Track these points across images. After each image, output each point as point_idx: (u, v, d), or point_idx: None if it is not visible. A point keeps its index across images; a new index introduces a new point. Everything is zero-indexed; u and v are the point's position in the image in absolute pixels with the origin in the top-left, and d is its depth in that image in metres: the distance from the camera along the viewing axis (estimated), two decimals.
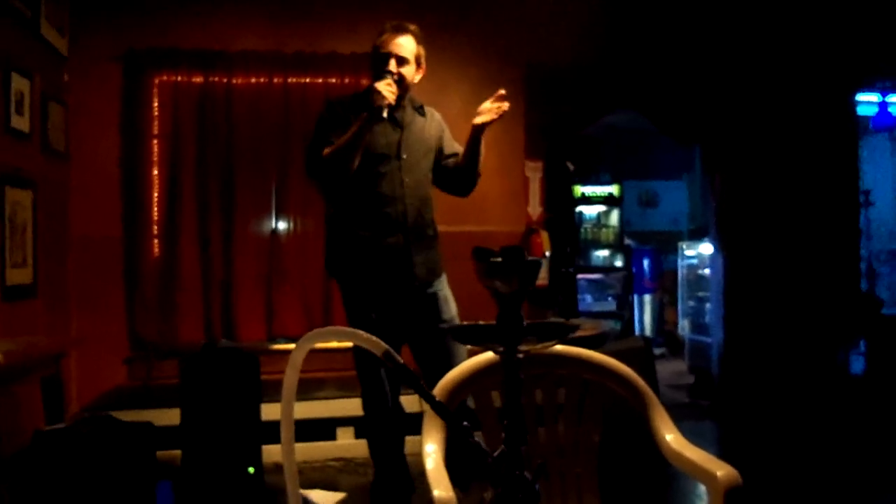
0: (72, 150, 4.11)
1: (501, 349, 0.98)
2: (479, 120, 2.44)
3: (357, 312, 2.54)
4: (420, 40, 2.57)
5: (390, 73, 2.46)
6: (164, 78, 4.33)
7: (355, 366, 2.58)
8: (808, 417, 4.54)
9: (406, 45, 2.52)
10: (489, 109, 2.42)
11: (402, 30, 2.53)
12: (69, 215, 4.12)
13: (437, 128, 2.68)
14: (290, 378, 1.09)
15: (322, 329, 1.09)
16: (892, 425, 4.35)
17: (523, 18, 4.70)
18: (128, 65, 4.29)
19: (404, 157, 2.54)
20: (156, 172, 4.33)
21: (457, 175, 2.62)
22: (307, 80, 4.47)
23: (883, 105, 6.38)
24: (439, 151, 2.66)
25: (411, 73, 2.54)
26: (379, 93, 2.36)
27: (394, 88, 2.41)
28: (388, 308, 2.53)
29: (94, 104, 4.23)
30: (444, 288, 2.63)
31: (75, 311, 4.12)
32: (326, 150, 2.43)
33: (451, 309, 2.62)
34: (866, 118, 6.38)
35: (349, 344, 1.11)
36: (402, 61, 2.50)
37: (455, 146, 2.68)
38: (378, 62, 2.51)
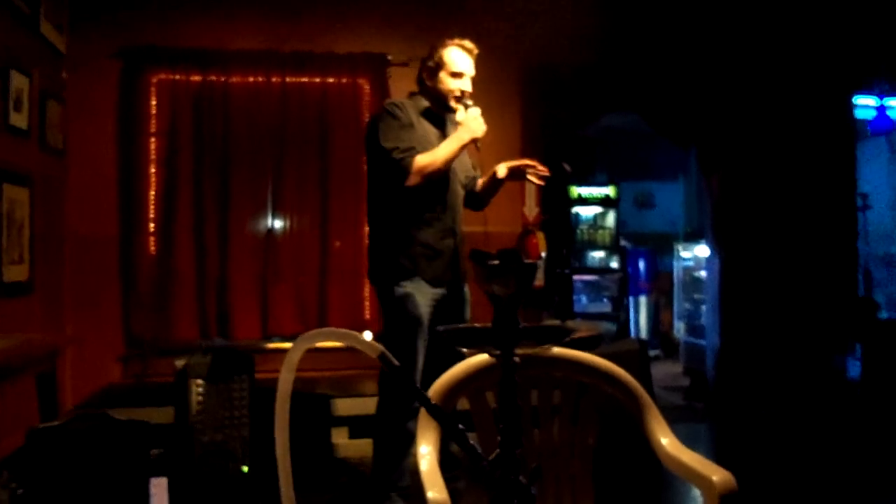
0: (69, 148, 4.10)
1: (498, 353, 0.98)
2: (504, 170, 2.65)
3: (407, 318, 2.58)
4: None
5: (466, 95, 2.63)
6: (162, 76, 4.33)
7: (381, 371, 2.59)
8: (804, 421, 4.54)
9: (472, 67, 2.68)
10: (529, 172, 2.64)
11: (471, 52, 2.68)
12: (66, 213, 4.11)
13: None
14: (286, 379, 1.09)
15: (318, 330, 1.10)
16: (888, 429, 4.36)
17: (520, 19, 4.70)
18: (126, 63, 4.28)
19: (453, 167, 2.69)
20: (153, 171, 4.32)
21: (476, 198, 2.81)
22: (305, 79, 4.46)
23: (881, 109, 6.39)
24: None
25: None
26: (481, 124, 2.56)
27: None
28: (435, 310, 2.62)
29: (92, 102, 4.22)
30: (468, 292, 2.76)
31: (71, 309, 4.11)
32: (422, 160, 2.53)
33: (469, 311, 2.76)
34: (864, 121, 6.38)
35: (340, 344, 1.11)
36: (470, 82, 2.68)
37: (471, 169, 2.85)
38: (449, 79, 2.64)
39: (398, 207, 2.63)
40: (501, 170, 2.66)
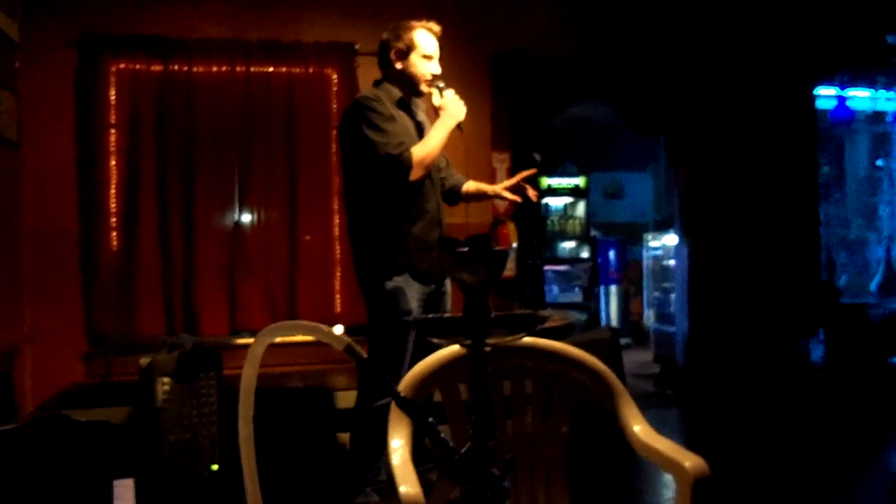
0: (24, 140, 3.96)
1: (468, 342, 0.95)
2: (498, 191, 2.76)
3: (398, 313, 2.53)
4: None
5: (438, 78, 2.60)
6: (122, 65, 4.19)
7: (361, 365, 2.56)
8: (770, 404, 4.63)
9: (438, 49, 2.64)
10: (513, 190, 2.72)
11: (437, 34, 2.65)
12: (22, 206, 3.98)
13: None
14: (249, 374, 1.06)
15: (283, 323, 1.06)
16: (849, 411, 4.47)
17: (489, 7, 4.68)
18: (83, 51, 4.14)
19: None
20: (113, 163, 4.19)
21: (454, 196, 2.81)
22: (271, 69, 4.37)
23: (841, 99, 6.54)
24: None
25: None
26: (462, 106, 2.53)
27: None
28: (422, 304, 2.59)
29: (48, 92, 4.08)
30: (448, 283, 2.73)
31: (29, 306, 3.98)
32: (419, 153, 2.49)
33: (449, 303, 2.73)
34: (825, 112, 6.52)
35: (311, 338, 1.08)
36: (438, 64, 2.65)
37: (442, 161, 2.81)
38: (422, 61, 2.60)
39: (387, 203, 2.55)
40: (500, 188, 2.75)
